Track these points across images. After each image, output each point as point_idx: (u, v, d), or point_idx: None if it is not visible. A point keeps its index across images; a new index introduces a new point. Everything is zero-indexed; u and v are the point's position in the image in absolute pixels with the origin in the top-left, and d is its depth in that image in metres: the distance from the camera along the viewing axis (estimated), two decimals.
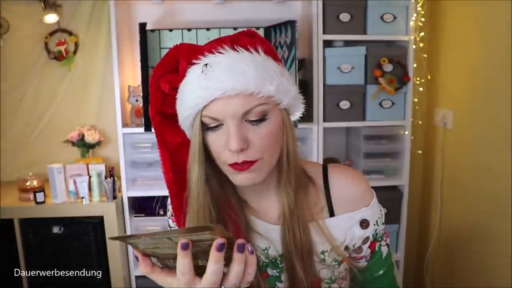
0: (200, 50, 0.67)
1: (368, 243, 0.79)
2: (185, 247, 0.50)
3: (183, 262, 0.51)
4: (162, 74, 0.71)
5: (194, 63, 0.66)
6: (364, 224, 0.77)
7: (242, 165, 0.65)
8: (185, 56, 0.68)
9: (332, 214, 0.77)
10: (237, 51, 0.65)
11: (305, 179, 0.77)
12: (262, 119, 0.66)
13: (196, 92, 0.64)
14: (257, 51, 0.66)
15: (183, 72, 0.68)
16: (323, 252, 0.76)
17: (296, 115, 0.74)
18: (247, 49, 0.66)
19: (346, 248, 0.79)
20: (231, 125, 0.64)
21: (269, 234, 0.76)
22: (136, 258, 0.55)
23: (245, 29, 0.71)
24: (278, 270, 0.77)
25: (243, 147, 0.64)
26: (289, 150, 0.71)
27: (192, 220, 0.71)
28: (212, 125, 0.66)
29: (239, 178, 0.68)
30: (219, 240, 0.49)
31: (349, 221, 0.77)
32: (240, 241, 0.52)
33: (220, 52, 0.65)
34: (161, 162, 0.74)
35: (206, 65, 0.65)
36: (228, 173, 0.69)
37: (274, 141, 0.68)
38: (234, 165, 0.66)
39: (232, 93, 0.62)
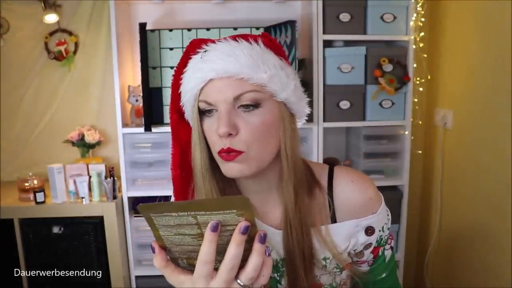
0: (205, 41, 0.70)
1: (371, 248, 0.78)
2: (214, 228, 0.48)
3: (209, 248, 0.49)
4: (182, 72, 0.72)
5: (197, 52, 0.69)
6: (369, 231, 0.76)
7: (228, 153, 0.65)
8: (194, 50, 0.70)
9: (334, 218, 0.75)
10: (237, 41, 0.67)
11: (311, 181, 0.75)
12: (254, 106, 0.65)
13: (193, 75, 0.67)
14: (256, 42, 0.68)
15: None
16: (325, 259, 0.75)
17: (302, 116, 0.74)
18: (247, 40, 0.68)
19: (348, 253, 0.78)
20: (222, 109, 0.65)
21: (271, 238, 0.74)
22: (153, 250, 0.53)
23: (251, 29, 0.73)
24: (278, 274, 0.77)
25: (231, 131, 0.64)
26: (287, 147, 0.69)
27: None
28: (207, 109, 0.67)
29: (226, 168, 0.67)
30: (244, 223, 0.48)
31: (354, 228, 0.75)
32: (262, 231, 0.51)
33: (221, 41, 0.68)
34: (172, 158, 0.74)
35: (205, 51, 0.67)
36: (219, 162, 0.69)
37: (266, 133, 0.66)
38: (221, 153, 0.66)
39: (224, 75, 0.64)
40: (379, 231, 0.77)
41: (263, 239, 0.50)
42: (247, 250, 0.51)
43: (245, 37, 0.69)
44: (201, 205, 0.48)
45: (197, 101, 0.67)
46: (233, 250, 0.49)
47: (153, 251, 0.53)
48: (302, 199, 0.72)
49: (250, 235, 0.50)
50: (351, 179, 0.76)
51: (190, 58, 0.71)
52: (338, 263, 0.76)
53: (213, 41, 0.69)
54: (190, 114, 0.71)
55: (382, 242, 0.78)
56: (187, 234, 0.50)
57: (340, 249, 0.75)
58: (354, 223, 0.75)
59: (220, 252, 0.50)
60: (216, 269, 0.51)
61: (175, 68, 0.73)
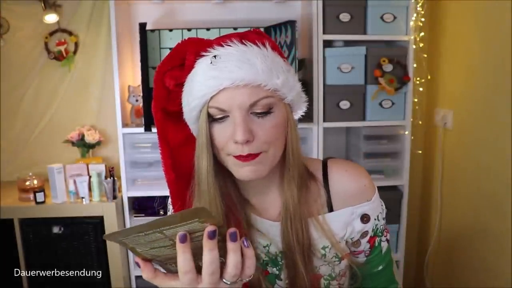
0: (209, 43, 0.69)
1: (367, 237, 0.79)
2: (183, 239, 0.49)
3: (184, 258, 0.50)
4: (168, 70, 0.71)
5: (203, 55, 0.67)
6: (365, 218, 0.78)
7: (247, 157, 0.65)
8: (193, 50, 0.69)
9: (331, 209, 0.77)
10: (246, 45, 0.67)
11: (306, 175, 0.77)
12: (267, 112, 0.66)
13: (204, 82, 0.65)
14: (264, 46, 0.68)
15: (190, 65, 0.69)
16: (324, 248, 0.76)
17: (299, 113, 0.76)
18: (255, 44, 0.67)
19: (346, 242, 0.79)
20: (238, 116, 0.64)
21: (269, 231, 0.76)
22: (138, 265, 0.54)
23: (251, 29, 0.73)
24: (278, 267, 0.78)
25: (249, 138, 0.64)
26: (293, 146, 0.71)
27: None
28: (218, 116, 0.66)
29: (243, 171, 0.68)
30: (209, 228, 0.49)
31: (350, 215, 0.77)
32: (231, 230, 0.51)
33: (229, 45, 0.67)
34: (162, 161, 0.73)
35: (215, 56, 0.66)
36: (231, 165, 0.69)
37: (279, 135, 0.68)
38: (238, 157, 0.66)
39: (241, 83, 0.64)
40: (374, 219, 0.79)
41: (234, 237, 0.51)
42: (224, 248, 0.52)
43: (252, 40, 0.68)
44: (163, 223, 0.48)
45: (206, 107, 0.66)
46: (208, 256, 0.50)
47: (139, 266, 0.54)
48: (302, 193, 0.74)
49: (222, 234, 0.51)
50: (345, 169, 0.78)
51: (184, 58, 0.70)
52: (337, 252, 0.77)
53: (215, 43, 0.68)
54: (195, 119, 0.70)
55: (378, 232, 0.80)
56: (162, 246, 0.51)
57: (338, 237, 0.77)
58: (350, 211, 0.77)
59: (200, 254, 0.51)
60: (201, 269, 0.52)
61: (160, 64, 0.72)
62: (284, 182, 0.73)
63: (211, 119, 0.67)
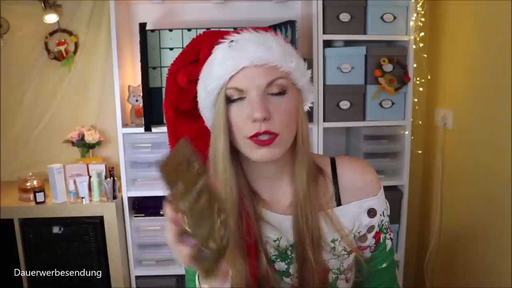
0: (225, 33, 0.72)
1: (373, 232, 0.81)
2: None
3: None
4: (182, 66, 0.73)
5: (220, 42, 0.70)
6: (371, 213, 0.80)
7: (264, 135, 0.67)
8: (208, 42, 0.72)
9: (339, 203, 0.79)
10: (259, 32, 0.71)
11: (315, 168, 0.79)
12: (282, 92, 0.69)
13: (224, 63, 0.68)
14: (277, 35, 0.72)
15: (204, 58, 0.72)
16: (333, 241, 0.78)
17: (307, 104, 0.78)
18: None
19: (353, 236, 0.81)
20: (255, 95, 0.67)
21: (280, 224, 0.77)
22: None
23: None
24: (287, 261, 0.78)
25: (266, 116, 0.66)
26: (303, 132, 0.73)
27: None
28: (236, 97, 0.69)
29: (259, 153, 0.69)
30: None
31: (357, 209, 0.79)
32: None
33: (245, 32, 0.70)
34: None
35: (232, 41, 0.69)
36: (248, 148, 0.70)
37: (292, 118, 0.71)
38: (255, 138, 0.67)
39: (259, 63, 0.67)
40: (380, 215, 0.81)
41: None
42: (206, 208, 0.52)
43: (265, 30, 0.72)
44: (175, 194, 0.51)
45: (224, 88, 0.68)
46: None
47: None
48: (310, 183, 0.75)
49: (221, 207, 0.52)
50: (353, 165, 0.82)
51: (198, 53, 0.72)
52: (346, 246, 0.79)
53: (228, 32, 0.71)
54: (211, 104, 0.72)
55: (383, 228, 0.82)
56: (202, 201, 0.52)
57: (347, 230, 0.79)
58: (357, 205, 0.79)
59: (202, 220, 0.51)
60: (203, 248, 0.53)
61: (173, 61, 0.74)
62: (295, 168, 0.75)
63: (228, 101, 0.69)
